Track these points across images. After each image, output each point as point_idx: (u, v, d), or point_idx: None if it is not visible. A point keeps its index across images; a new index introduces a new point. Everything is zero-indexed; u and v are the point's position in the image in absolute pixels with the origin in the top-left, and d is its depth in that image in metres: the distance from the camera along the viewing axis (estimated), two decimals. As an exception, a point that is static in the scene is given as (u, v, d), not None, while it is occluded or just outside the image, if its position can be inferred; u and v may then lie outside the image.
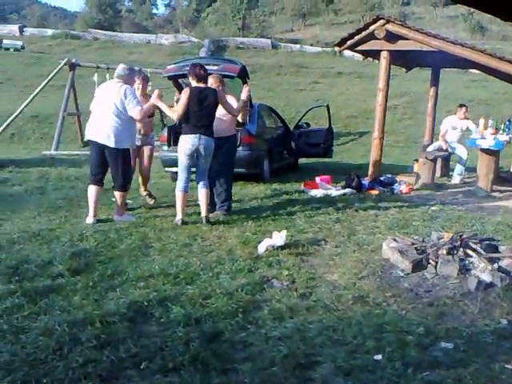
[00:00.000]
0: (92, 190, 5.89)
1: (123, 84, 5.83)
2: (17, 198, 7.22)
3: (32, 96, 13.81)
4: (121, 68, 5.97)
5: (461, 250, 4.44)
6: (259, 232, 5.48)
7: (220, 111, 6.14)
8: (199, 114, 5.85)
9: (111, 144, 5.71)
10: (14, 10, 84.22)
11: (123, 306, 3.43)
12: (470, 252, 4.40)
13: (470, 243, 4.49)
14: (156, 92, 6.07)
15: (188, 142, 5.86)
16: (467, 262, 4.33)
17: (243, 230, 5.60)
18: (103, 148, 5.79)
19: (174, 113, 6.01)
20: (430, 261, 4.39)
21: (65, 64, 14.08)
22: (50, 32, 44.38)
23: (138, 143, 6.75)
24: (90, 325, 3.15)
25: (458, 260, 4.31)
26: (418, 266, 4.34)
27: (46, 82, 14.12)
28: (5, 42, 36.13)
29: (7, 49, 34.97)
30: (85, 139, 6.06)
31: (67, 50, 34.57)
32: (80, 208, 6.48)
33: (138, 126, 6.50)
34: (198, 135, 5.84)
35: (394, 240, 4.79)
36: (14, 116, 13.85)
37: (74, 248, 4.72)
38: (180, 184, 5.97)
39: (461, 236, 4.59)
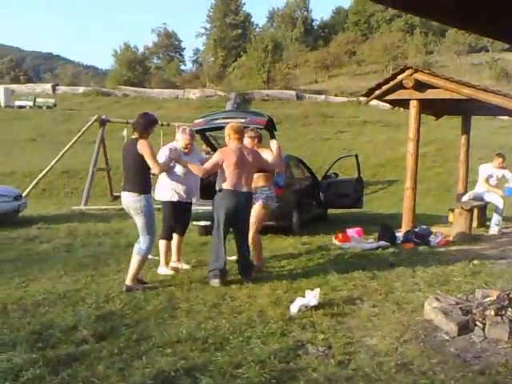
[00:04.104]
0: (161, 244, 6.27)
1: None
2: (44, 256, 7.13)
3: (62, 152, 14.05)
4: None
5: (509, 310, 4.12)
6: (291, 290, 5.23)
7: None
8: (125, 168, 5.40)
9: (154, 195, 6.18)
10: (48, 70, 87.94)
11: (149, 377, 3.21)
12: (520, 312, 4.07)
13: (520, 302, 4.17)
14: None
15: None
16: (518, 323, 4.00)
17: (274, 287, 5.34)
18: None
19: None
20: (477, 322, 4.07)
21: (95, 120, 14.34)
22: (81, 90, 46.08)
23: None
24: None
25: (507, 321, 3.98)
26: (465, 328, 4.02)
27: (76, 138, 14.39)
28: (38, 100, 37.55)
29: (40, 106, 36.29)
30: None
31: (98, 106, 35.60)
32: (107, 266, 6.36)
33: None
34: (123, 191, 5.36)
35: (436, 299, 4.48)
36: (44, 172, 14.08)
37: (99, 311, 4.55)
38: None
39: (508, 294, 4.27)
